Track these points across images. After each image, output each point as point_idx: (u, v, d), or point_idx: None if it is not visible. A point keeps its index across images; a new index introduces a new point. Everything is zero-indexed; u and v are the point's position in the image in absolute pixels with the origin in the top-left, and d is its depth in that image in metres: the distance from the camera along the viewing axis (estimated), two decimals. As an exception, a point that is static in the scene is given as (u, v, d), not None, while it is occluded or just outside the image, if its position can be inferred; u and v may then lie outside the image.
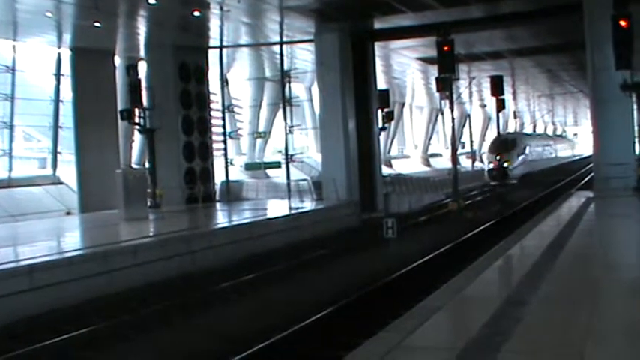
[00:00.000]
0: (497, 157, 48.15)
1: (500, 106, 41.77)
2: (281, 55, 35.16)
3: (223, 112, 36.79)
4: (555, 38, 38.60)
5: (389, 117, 38.52)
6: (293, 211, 28.07)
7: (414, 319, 8.54)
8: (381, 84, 42.56)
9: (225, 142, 36.25)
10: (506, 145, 49.89)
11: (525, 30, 36.40)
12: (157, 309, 14.79)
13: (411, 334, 7.87)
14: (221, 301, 15.87)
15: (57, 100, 35.95)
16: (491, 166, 48.63)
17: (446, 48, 27.41)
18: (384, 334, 8.16)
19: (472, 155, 64.36)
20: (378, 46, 35.79)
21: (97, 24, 27.76)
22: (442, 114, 61.93)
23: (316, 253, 21.85)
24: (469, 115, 70.53)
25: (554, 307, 9.07)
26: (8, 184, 34.04)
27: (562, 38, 37.98)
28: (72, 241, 22.55)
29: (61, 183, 36.28)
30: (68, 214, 33.26)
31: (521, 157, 51.21)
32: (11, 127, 34.42)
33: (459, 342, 7.42)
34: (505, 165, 47.72)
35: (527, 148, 54.52)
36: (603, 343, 7.37)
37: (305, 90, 50.88)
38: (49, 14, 26.97)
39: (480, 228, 26.37)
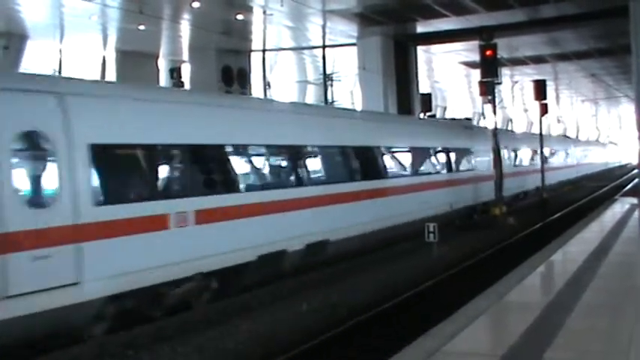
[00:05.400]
0: None
1: (543, 110, 41.24)
2: (324, 58, 35.25)
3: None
4: (600, 42, 38.15)
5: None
6: None
7: (455, 325, 8.50)
8: (424, 88, 42.39)
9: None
10: None
11: (569, 34, 36.04)
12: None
13: (452, 339, 7.84)
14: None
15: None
16: None
17: (489, 52, 27.16)
18: (424, 340, 8.12)
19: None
20: (420, 50, 35.72)
21: (141, 27, 28.13)
22: (484, 118, 61.53)
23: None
24: (511, 120, 69.99)
25: (597, 315, 8.98)
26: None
27: (607, 42, 37.54)
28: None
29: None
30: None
31: None
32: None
33: (499, 349, 7.39)
34: None
35: None
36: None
37: (347, 93, 50.78)
38: (94, 18, 27.39)
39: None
